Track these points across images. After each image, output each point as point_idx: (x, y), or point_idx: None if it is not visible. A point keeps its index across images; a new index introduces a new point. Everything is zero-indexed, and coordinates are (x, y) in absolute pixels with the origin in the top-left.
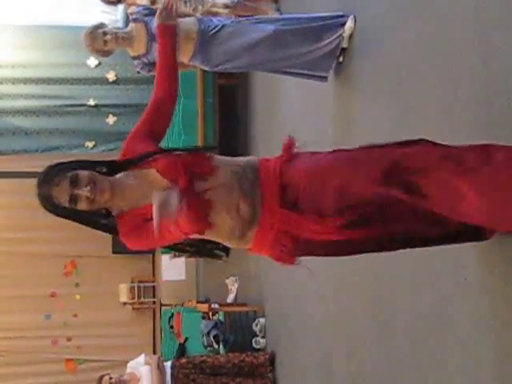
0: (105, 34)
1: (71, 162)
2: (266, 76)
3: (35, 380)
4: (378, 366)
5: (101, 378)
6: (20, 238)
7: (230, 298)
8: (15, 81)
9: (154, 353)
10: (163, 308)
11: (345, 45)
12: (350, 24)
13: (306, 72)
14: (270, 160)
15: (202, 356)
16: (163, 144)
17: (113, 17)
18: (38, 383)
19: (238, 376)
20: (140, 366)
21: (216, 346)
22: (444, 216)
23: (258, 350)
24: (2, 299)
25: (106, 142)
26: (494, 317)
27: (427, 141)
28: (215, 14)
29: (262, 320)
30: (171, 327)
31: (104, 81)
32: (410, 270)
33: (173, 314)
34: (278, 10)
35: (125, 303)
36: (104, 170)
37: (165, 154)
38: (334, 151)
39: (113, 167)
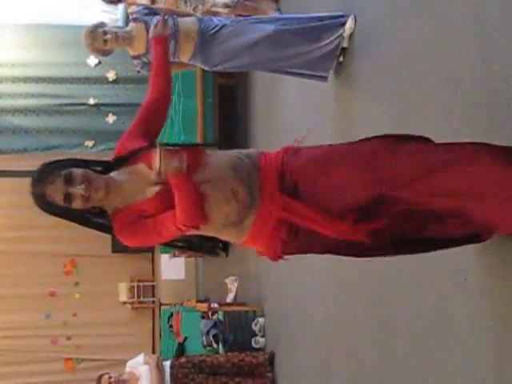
0: (105, 33)
1: (65, 160)
2: (265, 76)
3: (34, 379)
4: (377, 366)
5: (100, 377)
6: (20, 237)
7: (230, 298)
8: (15, 80)
9: (154, 352)
10: (162, 307)
11: (345, 45)
12: (350, 24)
13: (306, 72)
14: (272, 152)
15: (201, 355)
16: None
17: (113, 16)
18: (38, 382)
19: (237, 375)
20: (139, 366)
21: (215, 346)
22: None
23: (258, 349)
24: (1, 298)
25: (106, 141)
26: (493, 317)
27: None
28: (215, 14)
29: (261, 319)
30: (170, 326)
31: (104, 80)
32: (410, 270)
33: (172, 314)
34: (278, 9)
35: (124, 302)
36: (98, 168)
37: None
38: (340, 144)
39: (106, 166)
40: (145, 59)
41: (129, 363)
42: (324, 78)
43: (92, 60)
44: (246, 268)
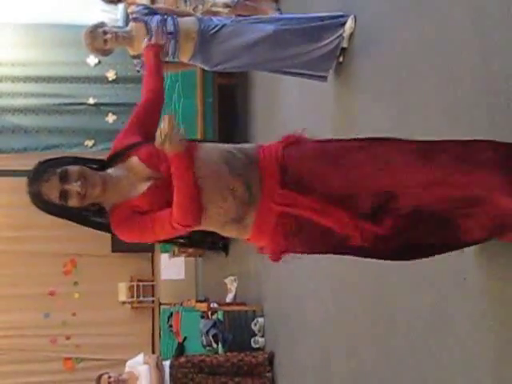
0: (105, 33)
1: (61, 157)
2: (265, 76)
3: (34, 378)
4: (377, 366)
5: (99, 377)
6: (19, 236)
7: (229, 298)
8: (15, 79)
9: (153, 352)
10: (162, 307)
11: (345, 45)
12: (350, 24)
13: (305, 72)
14: (271, 144)
15: (200, 355)
16: None
17: (113, 16)
18: (37, 381)
19: (236, 375)
20: (139, 365)
21: (215, 346)
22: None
23: (257, 349)
24: (1, 298)
25: (106, 141)
26: (493, 317)
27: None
28: (215, 14)
29: (260, 319)
30: (170, 326)
31: (104, 79)
32: (410, 270)
33: (172, 313)
34: (278, 9)
35: (124, 302)
36: (94, 166)
37: (147, 144)
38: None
39: (102, 164)
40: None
41: (128, 363)
42: (324, 78)
43: (92, 59)
44: (245, 268)
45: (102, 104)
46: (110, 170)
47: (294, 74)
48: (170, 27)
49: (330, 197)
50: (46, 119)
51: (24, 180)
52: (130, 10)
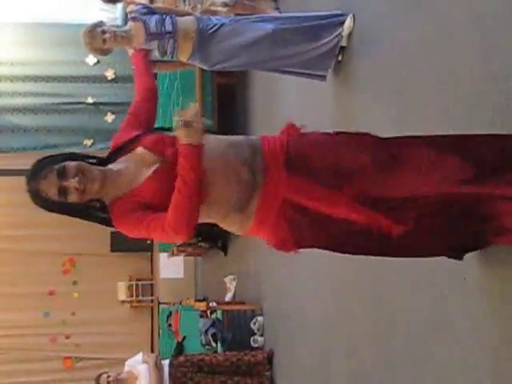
0: (103, 32)
1: (59, 154)
2: (264, 75)
3: (33, 377)
4: (377, 366)
5: (99, 376)
6: (19, 235)
7: (228, 297)
8: (14, 78)
9: (152, 351)
10: (161, 306)
11: (344, 44)
12: (348, 23)
13: (304, 71)
14: (274, 135)
15: (200, 354)
16: None
17: (112, 15)
18: (36, 381)
19: (235, 374)
20: (138, 365)
21: (214, 345)
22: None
23: (256, 348)
24: (0, 297)
25: (105, 140)
26: (493, 317)
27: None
28: (214, 13)
29: (260, 318)
30: (169, 325)
31: (103, 79)
32: (410, 269)
33: (171, 313)
34: (277, 8)
35: (123, 301)
36: (93, 161)
37: (149, 133)
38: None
39: (101, 160)
40: None
41: (127, 362)
42: (323, 77)
43: (91, 59)
44: (244, 267)
45: (101, 103)
46: (110, 166)
47: (292, 73)
48: (168, 26)
49: (336, 182)
50: (45, 118)
51: (23, 179)
52: (128, 10)
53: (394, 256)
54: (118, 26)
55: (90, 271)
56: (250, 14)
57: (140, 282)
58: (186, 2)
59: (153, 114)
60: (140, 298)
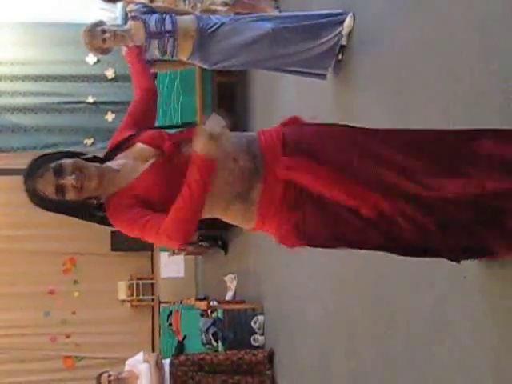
0: (103, 31)
1: (55, 152)
2: (264, 74)
3: (34, 377)
4: (377, 366)
5: (100, 375)
6: (19, 235)
7: (229, 296)
8: (14, 78)
9: (153, 350)
10: (162, 305)
11: (344, 42)
12: (348, 22)
13: (304, 70)
14: (270, 128)
15: (200, 353)
16: None
17: (112, 14)
18: (37, 380)
19: (236, 374)
20: (139, 364)
21: (215, 344)
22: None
23: (257, 347)
24: (0, 296)
25: (105, 139)
26: (493, 316)
27: None
28: (214, 12)
29: (260, 317)
30: (170, 325)
31: (103, 78)
32: (410, 269)
33: (171, 312)
34: (277, 7)
35: (123, 300)
36: (90, 157)
37: (147, 130)
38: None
39: (99, 159)
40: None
41: (128, 361)
42: (323, 76)
43: (91, 58)
44: (245, 266)
45: (101, 102)
46: (108, 163)
47: (292, 72)
48: (168, 25)
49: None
50: (45, 118)
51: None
52: (128, 9)
53: (396, 250)
54: (117, 26)
55: (90, 270)
56: (250, 13)
57: (140, 281)
58: (186, 1)
59: (152, 114)
60: (140, 297)
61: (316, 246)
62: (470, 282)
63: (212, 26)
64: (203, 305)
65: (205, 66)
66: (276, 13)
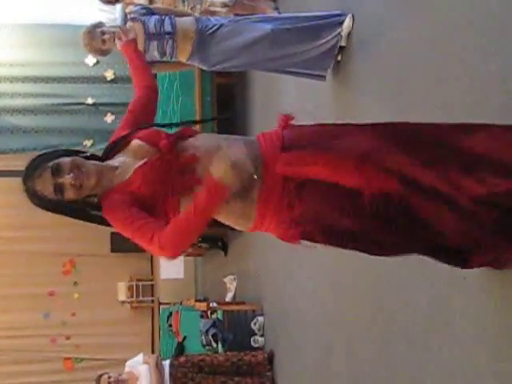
0: (103, 33)
1: (53, 151)
2: (264, 75)
3: (33, 378)
4: (377, 366)
5: (99, 377)
6: (18, 236)
7: (229, 297)
8: (13, 79)
9: (153, 352)
10: (162, 307)
11: (343, 43)
12: (348, 23)
13: (304, 71)
14: (270, 130)
15: (200, 355)
16: None
17: (111, 16)
18: (36, 382)
19: (236, 375)
20: (138, 365)
21: (214, 345)
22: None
23: (257, 348)
24: (0, 298)
25: (105, 141)
26: (493, 316)
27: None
28: (213, 13)
29: (260, 319)
30: (170, 326)
31: (102, 79)
32: (410, 269)
33: (171, 313)
34: (277, 8)
35: (123, 302)
36: (88, 155)
37: (144, 128)
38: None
39: (97, 158)
40: None
41: (128, 363)
42: (322, 77)
43: (90, 59)
44: (245, 267)
45: (101, 104)
46: (106, 162)
47: (292, 73)
48: (167, 27)
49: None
50: (44, 119)
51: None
52: (128, 10)
53: (398, 240)
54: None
55: (90, 272)
56: (250, 15)
57: (140, 283)
58: (185, 3)
59: (152, 112)
60: (140, 298)
61: (316, 242)
62: (470, 282)
63: (211, 28)
64: (203, 306)
65: (204, 68)
66: (275, 14)
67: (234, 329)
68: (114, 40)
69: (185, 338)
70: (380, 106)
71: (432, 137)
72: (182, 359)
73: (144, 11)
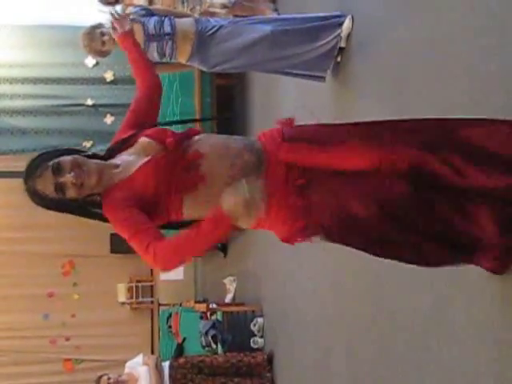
0: (102, 34)
1: (52, 151)
2: (263, 76)
3: (33, 379)
4: (377, 366)
5: (99, 378)
6: (18, 237)
7: (228, 298)
8: (13, 80)
9: (152, 353)
10: (161, 308)
11: (342, 45)
12: (347, 24)
13: (303, 72)
14: (271, 129)
15: (200, 356)
16: None
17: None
18: (36, 383)
19: (236, 376)
20: (138, 366)
21: (214, 346)
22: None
23: (256, 349)
24: (0, 299)
25: (104, 142)
26: (493, 316)
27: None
28: (213, 15)
29: (260, 320)
30: (169, 327)
31: (102, 80)
32: (410, 269)
33: (171, 314)
34: (276, 10)
35: (123, 303)
36: (90, 154)
37: (152, 126)
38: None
39: (99, 157)
40: None
41: (128, 364)
42: (322, 78)
43: (90, 61)
44: (244, 268)
45: (101, 105)
46: (109, 160)
47: (291, 74)
48: (167, 28)
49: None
50: (44, 120)
51: (22, 181)
52: (127, 11)
53: (404, 225)
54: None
55: (89, 273)
56: (249, 16)
57: (140, 284)
58: (185, 4)
59: (155, 111)
60: (140, 299)
61: (321, 235)
62: (470, 283)
63: (211, 29)
64: (203, 307)
65: (204, 69)
66: (275, 15)
67: (234, 330)
68: (114, 41)
69: (184, 339)
70: (380, 107)
71: (433, 123)
72: (182, 360)
73: (143, 12)
